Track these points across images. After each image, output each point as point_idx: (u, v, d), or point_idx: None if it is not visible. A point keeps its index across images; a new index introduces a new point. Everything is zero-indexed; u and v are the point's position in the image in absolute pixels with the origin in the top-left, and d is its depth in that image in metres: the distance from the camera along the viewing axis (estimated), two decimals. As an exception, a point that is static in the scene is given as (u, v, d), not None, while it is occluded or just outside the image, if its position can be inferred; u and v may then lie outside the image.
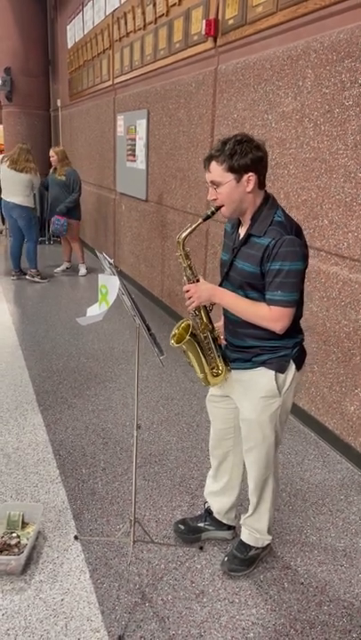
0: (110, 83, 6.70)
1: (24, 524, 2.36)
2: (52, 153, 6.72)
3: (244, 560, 2.19)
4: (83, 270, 7.06)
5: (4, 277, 6.78)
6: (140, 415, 3.41)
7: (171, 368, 4.11)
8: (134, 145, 5.95)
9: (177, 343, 1.93)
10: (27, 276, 6.63)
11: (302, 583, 2.16)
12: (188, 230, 1.87)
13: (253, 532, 2.18)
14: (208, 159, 1.79)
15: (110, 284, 1.75)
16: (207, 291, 1.86)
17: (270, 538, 2.21)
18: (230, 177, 1.76)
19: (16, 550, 2.21)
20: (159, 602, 2.04)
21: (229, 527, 2.36)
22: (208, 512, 2.37)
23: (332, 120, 2.89)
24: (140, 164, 5.82)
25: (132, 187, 6.21)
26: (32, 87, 10.29)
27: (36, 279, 6.59)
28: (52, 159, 6.72)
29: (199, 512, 2.49)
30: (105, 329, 4.96)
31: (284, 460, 2.99)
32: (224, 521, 2.34)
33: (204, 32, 4.06)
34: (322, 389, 3.14)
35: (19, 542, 2.26)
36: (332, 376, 3.05)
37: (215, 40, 4.03)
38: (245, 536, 2.21)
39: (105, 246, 7.58)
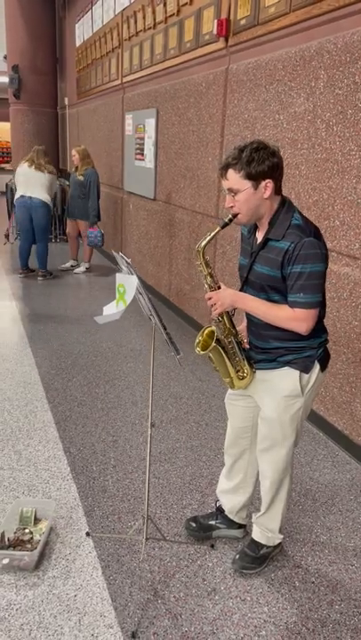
0: (119, 81, 6.71)
1: (36, 521, 2.38)
2: (73, 152, 6.71)
3: (256, 558, 2.20)
4: (82, 268, 7.09)
5: (12, 275, 6.80)
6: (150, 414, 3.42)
7: (179, 367, 4.13)
8: (143, 144, 5.96)
9: (202, 350, 1.95)
10: (38, 278, 6.63)
11: (313, 582, 2.17)
12: (208, 239, 1.89)
13: (265, 530, 2.19)
14: (225, 167, 1.80)
15: (128, 284, 1.76)
16: (229, 297, 1.88)
17: (282, 537, 2.23)
18: (248, 184, 1.77)
19: (29, 546, 2.23)
20: (171, 599, 2.05)
21: (240, 526, 2.37)
22: (220, 510, 2.38)
23: (345, 121, 2.90)
24: (149, 162, 5.83)
25: (140, 186, 6.22)
26: (40, 85, 10.33)
27: (47, 278, 6.63)
28: (73, 158, 6.71)
29: (210, 510, 2.51)
30: (113, 328, 4.97)
31: (293, 459, 2.99)
32: (235, 520, 2.35)
33: (215, 32, 4.06)
34: (332, 390, 3.15)
35: (31, 538, 2.28)
36: (342, 377, 3.06)
37: (227, 40, 4.04)
38: (257, 534, 2.22)
39: (112, 244, 7.60)
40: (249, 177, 1.76)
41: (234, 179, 1.78)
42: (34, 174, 6.26)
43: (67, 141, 10.16)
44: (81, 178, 6.63)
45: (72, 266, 7.23)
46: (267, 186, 1.78)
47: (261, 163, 1.74)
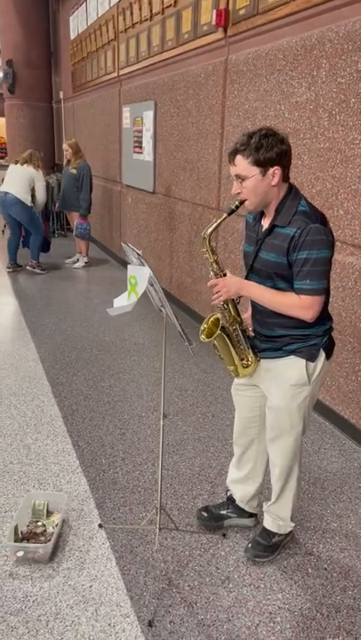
0: (115, 74, 6.68)
1: (48, 513, 2.39)
2: (65, 147, 6.73)
3: (268, 547, 2.22)
4: (81, 262, 7.08)
5: (5, 271, 6.78)
6: (156, 406, 3.44)
7: (183, 359, 4.13)
8: (141, 137, 5.94)
9: (207, 338, 1.95)
10: (27, 267, 6.65)
11: (325, 569, 2.19)
12: (214, 225, 1.89)
13: (277, 519, 2.21)
14: (233, 153, 1.80)
15: (140, 275, 1.76)
16: (235, 284, 1.88)
17: (293, 525, 2.24)
18: (256, 171, 1.77)
19: (42, 539, 2.24)
20: (186, 588, 2.07)
21: (251, 515, 2.39)
22: (230, 500, 2.39)
23: (348, 110, 2.90)
24: (147, 155, 5.82)
25: (138, 179, 6.20)
26: (34, 79, 10.27)
27: (37, 270, 6.61)
28: (66, 153, 6.72)
29: (220, 500, 2.52)
30: (116, 321, 4.97)
31: (301, 447, 3.01)
32: (246, 508, 2.37)
33: (214, 22, 4.04)
34: (338, 379, 3.16)
35: (44, 531, 2.29)
36: (348, 366, 3.07)
37: (225, 30, 4.02)
38: (268, 523, 2.24)
39: (110, 238, 7.59)
40: (257, 163, 1.75)
41: (242, 165, 1.78)
42: (15, 169, 6.28)
43: (62, 136, 10.11)
44: (74, 171, 6.63)
45: (78, 260, 7.22)
46: (275, 173, 1.78)
47: (270, 149, 1.74)
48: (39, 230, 6.52)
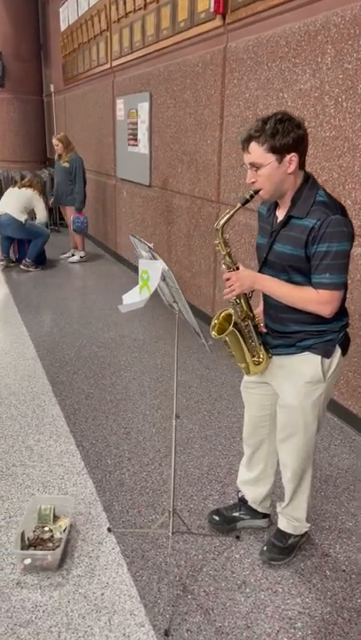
0: (108, 65, 6.55)
1: (55, 518, 2.30)
2: (55, 142, 6.61)
3: (284, 549, 2.15)
4: (77, 257, 6.98)
5: (6, 268, 6.65)
6: (160, 404, 3.36)
7: (185, 355, 4.05)
8: (136, 129, 5.83)
9: (218, 334, 1.87)
10: (21, 266, 6.53)
11: (344, 570, 2.12)
12: (227, 217, 1.79)
13: (292, 520, 2.14)
14: (247, 140, 1.71)
15: (152, 270, 1.67)
16: (249, 278, 1.79)
17: (308, 525, 2.17)
18: (272, 158, 1.68)
19: (50, 545, 2.15)
20: (201, 593, 2.00)
21: (265, 515, 2.32)
22: (242, 501, 2.32)
23: (356, 97, 2.82)
24: (143, 148, 5.71)
25: (133, 172, 6.10)
26: (24, 72, 10.09)
27: (31, 269, 6.50)
28: (56, 148, 6.61)
29: (231, 501, 2.45)
30: (113, 317, 4.89)
31: (315, 448, 2.94)
32: (259, 509, 2.29)
33: (212, 9, 3.94)
34: (346, 373, 3.09)
35: (52, 536, 2.20)
36: (356, 360, 3.00)
37: (224, 17, 3.92)
38: (283, 524, 2.17)
39: (105, 233, 7.47)
40: (273, 150, 1.67)
41: (257, 152, 1.69)
42: (13, 192, 6.40)
43: (54, 129, 9.95)
44: (66, 165, 6.52)
45: (73, 255, 7.11)
46: (291, 160, 1.69)
47: (286, 135, 1.65)
48: (40, 234, 6.42)
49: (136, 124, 5.80)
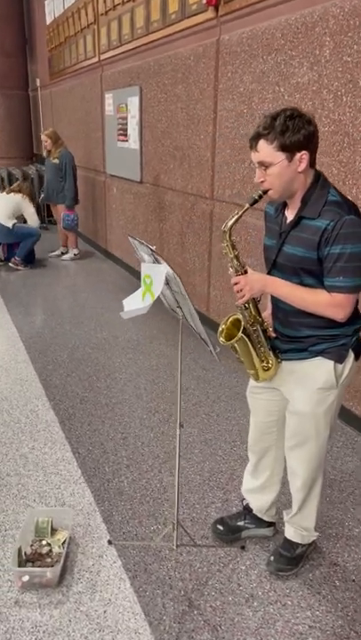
0: (96, 59, 6.42)
1: (53, 531, 2.22)
2: (43, 138, 6.48)
3: (292, 559, 2.08)
4: (70, 254, 6.86)
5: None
6: (157, 407, 3.27)
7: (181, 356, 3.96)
8: (126, 124, 5.72)
9: (227, 340, 1.78)
10: (10, 264, 6.40)
11: (353, 580, 2.06)
12: (235, 218, 1.71)
13: (300, 529, 2.07)
14: (255, 138, 1.62)
15: (155, 274, 1.58)
16: (258, 282, 1.71)
17: (317, 534, 2.11)
18: (282, 156, 1.60)
19: (49, 560, 2.07)
20: (208, 608, 1.92)
21: (270, 524, 2.25)
22: (247, 510, 2.25)
23: (356, 90, 2.74)
24: (133, 143, 5.60)
25: (124, 168, 5.98)
26: (8, 67, 9.93)
27: (20, 267, 6.37)
28: (45, 144, 6.48)
29: (235, 509, 2.38)
30: (106, 317, 4.79)
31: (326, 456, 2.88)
32: (265, 518, 2.22)
33: (204, 1, 3.84)
34: (348, 374, 3.03)
35: (50, 550, 2.12)
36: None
37: (217, 9, 3.82)
38: (291, 534, 2.09)
39: (95, 230, 7.35)
40: (283, 148, 1.59)
41: (266, 151, 1.60)
42: (1, 197, 6.29)
43: (40, 124, 9.80)
44: (56, 161, 6.40)
45: (62, 253, 6.98)
46: (302, 158, 1.61)
47: (297, 132, 1.57)
48: (30, 234, 6.29)
49: (126, 118, 5.69)
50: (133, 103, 5.43)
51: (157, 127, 4.99)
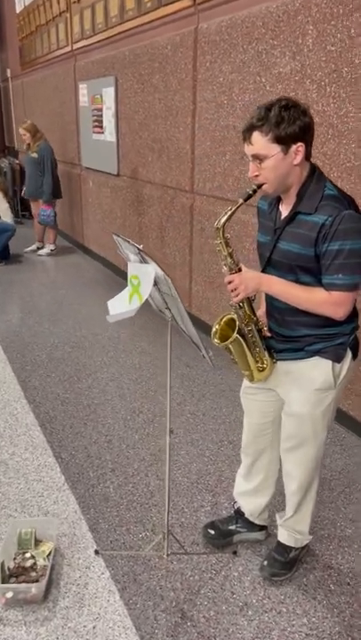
0: (69, 49, 6.25)
1: (37, 542, 2.12)
2: (21, 131, 6.29)
3: (286, 563, 2.02)
4: (47, 250, 6.71)
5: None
6: (141, 407, 3.19)
7: (163, 353, 3.89)
8: (101, 115, 5.58)
9: (221, 342, 1.71)
10: None
11: (349, 583, 2.01)
12: (228, 214, 1.63)
13: (294, 532, 2.02)
14: (249, 129, 1.54)
15: (143, 275, 1.50)
16: (253, 280, 1.64)
17: (311, 537, 2.06)
18: (277, 149, 1.52)
19: (33, 574, 1.97)
20: (201, 619, 1.85)
21: (262, 527, 2.19)
22: (239, 513, 2.18)
23: (340, 80, 2.68)
24: (109, 135, 5.47)
25: (100, 161, 5.85)
26: (-22, 56, 9.63)
27: None
28: (24, 137, 6.29)
29: (225, 512, 2.32)
30: (85, 314, 4.68)
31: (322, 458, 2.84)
32: (257, 522, 2.16)
33: (181, -12, 3.73)
34: (334, 369, 2.99)
35: (34, 564, 2.02)
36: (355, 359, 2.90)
37: (194, -3, 3.72)
38: (284, 537, 2.04)
39: (71, 225, 7.20)
40: (278, 140, 1.51)
41: (260, 143, 1.52)
42: None
43: (12, 116, 9.56)
44: (35, 155, 6.22)
45: (38, 248, 6.82)
46: (298, 150, 1.54)
47: (292, 123, 1.50)
48: (5, 229, 6.12)
49: (101, 110, 5.55)
50: (109, 94, 5.30)
51: (134, 119, 4.87)
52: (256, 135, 1.52)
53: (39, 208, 6.42)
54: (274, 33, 3.05)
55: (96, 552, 2.12)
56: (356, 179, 2.68)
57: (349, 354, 1.73)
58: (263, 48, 3.15)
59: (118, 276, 5.61)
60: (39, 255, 6.66)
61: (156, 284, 1.55)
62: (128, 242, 1.60)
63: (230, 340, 1.69)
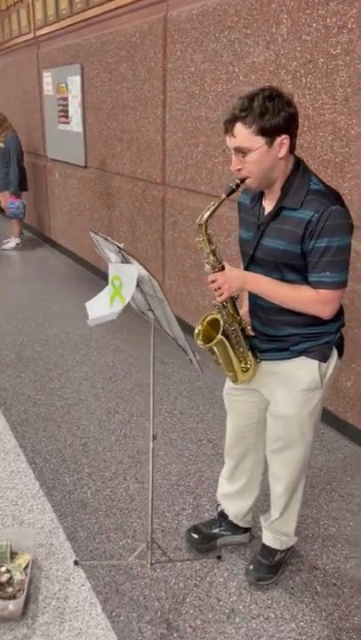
0: (32, 35, 6.04)
1: (12, 554, 2.02)
2: None
3: (271, 567, 1.98)
4: (12, 243, 6.51)
5: None
6: (116, 407, 3.11)
7: (137, 349, 3.81)
8: (67, 105, 5.41)
9: (205, 343, 1.64)
10: None
11: (335, 584, 1.99)
12: (211, 210, 1.56)
13: (279, 535, 1.98)
14: (231, 121, 1.46)
15: (125, 276, 1.41)
16: (238, 278, 1.57)
17: (296, 539, 2.02)
18: (261, 141, 1.45)
19: (10, 590, 1.88)
20: (188, 629, 1.80)
21: (246, 530, 2.15)
22: (222, 516, 2.13)
23: (316, 71, 2.62)
24: (76, 126, 5.31)
25: (66, 152, 5.69)
26: None
27: None
28: None
29: (207, 514, 2.27)
30: (54, 311, 4.55)
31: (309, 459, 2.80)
32: (240, 524, 2.12)
33: (150, -27, 3.61)
34: (312, 365, 2.96)
35: (11, 578, 1.92)
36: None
37: (164, -17, 3.61)
38: (269, 540, 2.00)
39: (37, 217, 7.00)
40: (262, 132, 1.44)
41: (243, 135, 1.45)
42: None
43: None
44: (1, 145, 6.01)
45: (17, 244, 6.60)
46: (283, 143, 1.47)
47: (277, 114, 1.43)
48: None
49: (67, 99, 5.38)
50: (74, 83, 5.14)
51: (102, 108, 4.73)
52: (239, 127, 1.44)
53: (7, 201, 6.22)
54: (247, 21, 2.97)
55: (75, 563, 2.04)
56: (332, 172, 2.64)
57: (335, 353, 1.69)
58: (236, 37, 3.07)
59: (88, 271, 5.47)
60: (4, 250, 6.46)
61: (138, 284, 1.47)
62: (108, 240, 1.51)
63: (215, 341, 1.62)
